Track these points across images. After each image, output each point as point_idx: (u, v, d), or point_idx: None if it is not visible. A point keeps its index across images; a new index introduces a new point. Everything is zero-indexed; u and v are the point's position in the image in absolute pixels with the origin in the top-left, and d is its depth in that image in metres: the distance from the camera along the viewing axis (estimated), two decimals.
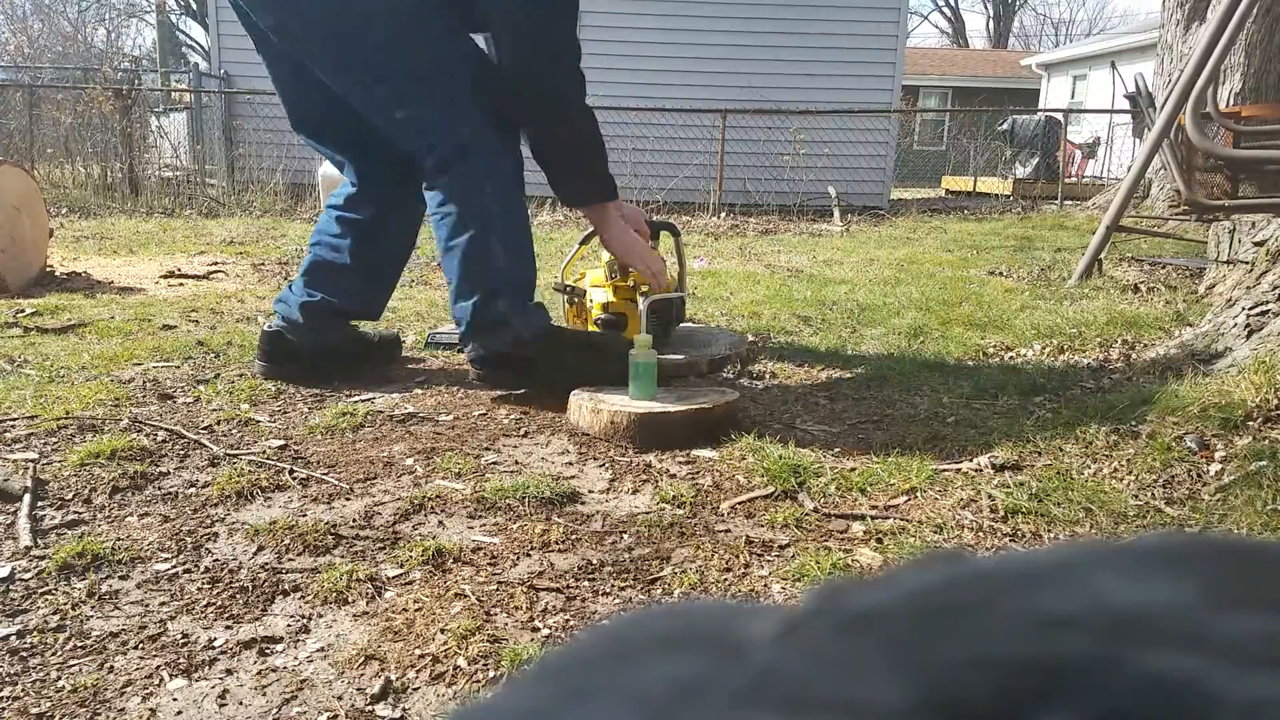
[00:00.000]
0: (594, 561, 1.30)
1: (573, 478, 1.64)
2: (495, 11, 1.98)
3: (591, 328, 2.34)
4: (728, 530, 1.41)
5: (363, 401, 2.07)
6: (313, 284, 2.22)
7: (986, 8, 36.50)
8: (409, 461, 1.70)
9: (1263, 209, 3.46)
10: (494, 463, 1.70)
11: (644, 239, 2.38)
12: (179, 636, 1.11)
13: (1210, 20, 3.33)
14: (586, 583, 1.25)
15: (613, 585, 1.24)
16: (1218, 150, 3.50)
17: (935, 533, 1.40)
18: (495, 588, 1.22)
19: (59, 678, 1.02)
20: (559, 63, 1.99)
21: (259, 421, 1.91)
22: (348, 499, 1.53)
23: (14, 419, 1.85)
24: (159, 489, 1.55)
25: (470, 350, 2.12)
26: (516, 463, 1.71)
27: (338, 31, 1.94)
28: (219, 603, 1.19)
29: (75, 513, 1.45)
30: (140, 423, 1.85)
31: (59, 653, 1.07)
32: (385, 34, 1.95)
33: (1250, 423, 1.66)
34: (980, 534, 1.40)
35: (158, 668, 1.04)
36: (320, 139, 2.23)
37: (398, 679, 1.03)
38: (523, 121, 2.06)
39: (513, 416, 1.98)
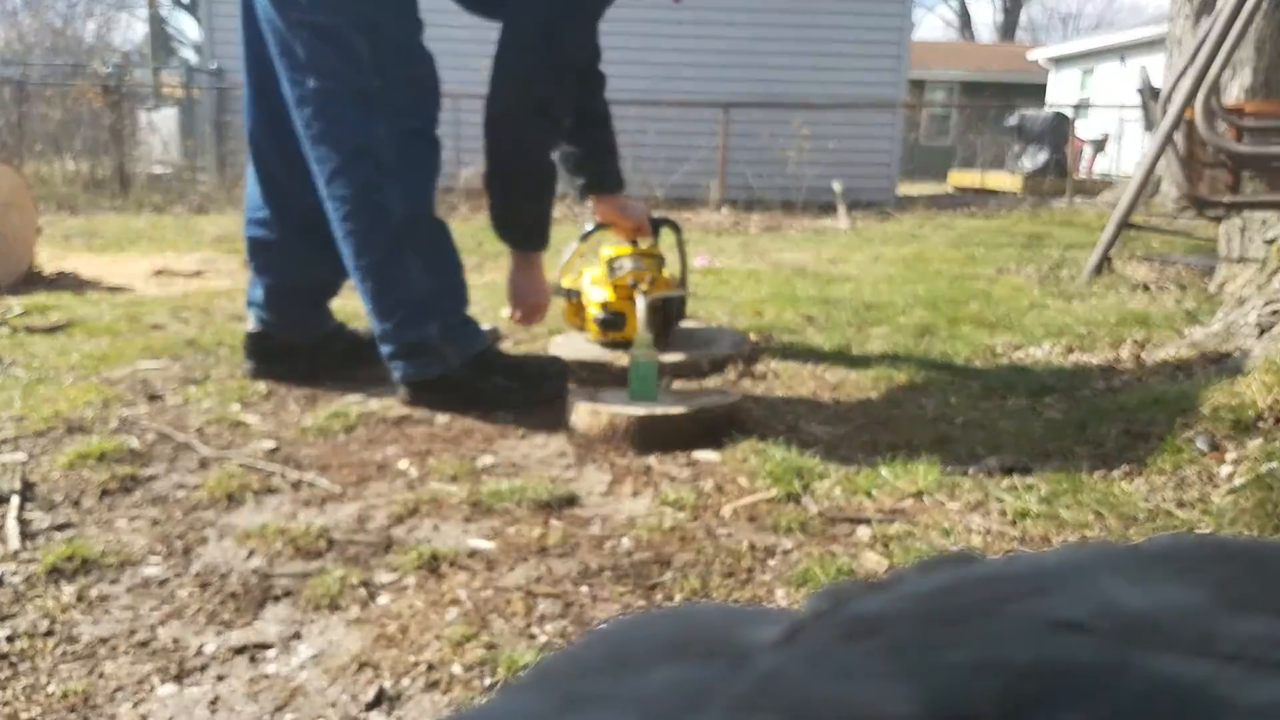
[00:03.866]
0: (593, 566, 1.28)
1: (571, 481, 1.61)
2: (506, 50, 1.91)
3: (591, 327, 2.31)
4: (730, 534, 1.39)
5: (355, 402, 2.04)
6: (258, 268, 2.14)
7: (993, 0, 36.41)
8: (403, 464, 1.67)
9: (1265, 206, 3.42)
10: (490, 465, 1.68)
11: (643, 227, 2.36)
12: (169, 642, 1.10)
13: (1219, 14, 3.29)
14: (585, 588, 1.23)
15: (612, 591, 1.22)
16: (1226, 146, 3.46)
17: (943, 537, 1.37)
18: (491, 593, 1.20)
19: (48, 683, 1.02)
20: (547, 115, 1.95)
21: (249, 423, 1.88)
22: (340, 503, 1.50)
23: (1, 420, 1.82)
24: (148, 492, 1.53)
25: (397, 371, 1.99)
26: (513, 465, 1.68)
27: None
28: (209, 608, 1.17)
29: (64, 515, 1.43)
30: (129, 424, 1.83)
31: (48, 658, 1.06)
32: None
33: (1262, 423, 1.64)
34: (989, 538, 1.37)
35: (148, 674, 1.04)
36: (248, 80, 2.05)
37: (392, 686, 1.01)
38: (487, 151, 1.98)
39: (509, 418, 1.95)
